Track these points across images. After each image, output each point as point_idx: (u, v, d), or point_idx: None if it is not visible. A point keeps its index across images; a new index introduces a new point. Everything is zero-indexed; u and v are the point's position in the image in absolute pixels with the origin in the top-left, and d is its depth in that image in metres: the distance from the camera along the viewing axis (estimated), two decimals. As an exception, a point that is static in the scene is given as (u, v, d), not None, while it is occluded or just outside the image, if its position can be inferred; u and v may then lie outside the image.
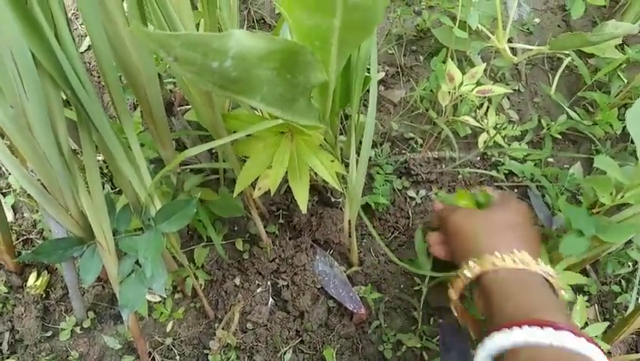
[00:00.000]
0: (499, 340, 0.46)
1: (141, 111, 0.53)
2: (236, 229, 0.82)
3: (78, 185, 0.49)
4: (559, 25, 1.03)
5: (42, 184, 0.46)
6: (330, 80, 0.47)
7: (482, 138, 0.86)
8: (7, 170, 0.82)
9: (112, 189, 0.81)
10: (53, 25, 0.38)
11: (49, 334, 0.72)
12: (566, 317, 0.49)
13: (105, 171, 0.81)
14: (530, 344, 0.44)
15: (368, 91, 0.59)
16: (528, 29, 1.01)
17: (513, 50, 0.94)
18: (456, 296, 0.58)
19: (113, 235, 0.57)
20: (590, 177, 0.65)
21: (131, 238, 0.58)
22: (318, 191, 0.82)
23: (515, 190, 0.86)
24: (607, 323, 0.69)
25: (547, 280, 0.53)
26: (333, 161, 0.64)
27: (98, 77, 0.92)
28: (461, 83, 0.77)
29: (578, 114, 0.89)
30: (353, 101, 0.57)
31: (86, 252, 0.57)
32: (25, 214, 0.80)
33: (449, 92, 0.79)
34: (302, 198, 0.60)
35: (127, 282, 0.58)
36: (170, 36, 0.29)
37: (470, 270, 0.54)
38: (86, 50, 0.96)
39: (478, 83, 0.80)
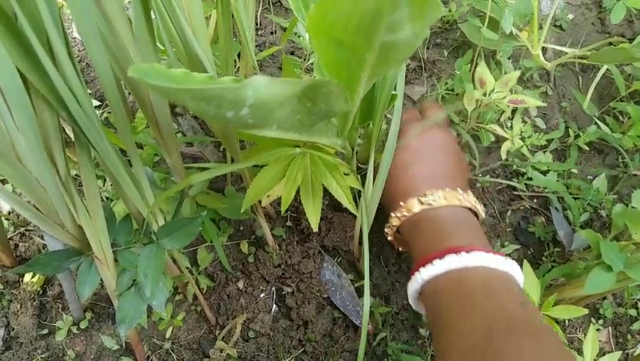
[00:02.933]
0: (425, 273, 0.50)
1: (143, 112, 0.48)
2: (241, 229, 0.78)
3: (75, 202, 0.45)
4: (593, 23, 0.97)
5: (33, 205, 0.42)
6: (354, 108, 0.42)
7: (505, 146, 0.81)
8: None
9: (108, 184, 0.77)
10: (47, 43, 0.33)
11: (45, 332, 0.70)
12: (484, 242, 0.53)
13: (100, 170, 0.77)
14: (450, 270, 0.48)
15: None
16: (560, 26, 0.95)
17: (544, 50, 0.88)
18: (391, 236, 0.63)
19: (112, 245, 0.54)
20: (623, 210, 0.61)
21: (131, 253, 0.54)
22: (329, 195, 0.78)
23: (535, 201, 0.82)
24: (620, 353, 0.66)
25: (472, 212, 0.58)
26: (347, 174, 0.60)
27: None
28: (492, 90, 0.72)
29: (607, 124, 0.84)
30: (376, 119, 0.53)
31: (82, 265, 0.54)
32: (22, 204, 0.76)
33: (477, 99, 0.73)
34: (314, 217, 0.57)
35: (125, 296, 0.55)
36: (179, 90, 0.25)
37: (403, 212, 0.58)
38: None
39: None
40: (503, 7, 0.73)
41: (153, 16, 0.43)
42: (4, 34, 0.30)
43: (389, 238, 0.64)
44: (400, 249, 0.68)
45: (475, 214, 0.59)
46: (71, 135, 0.46)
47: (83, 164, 0.43)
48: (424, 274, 0.50)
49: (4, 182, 0.74)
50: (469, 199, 0.57)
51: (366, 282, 0.59)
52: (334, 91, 0.37)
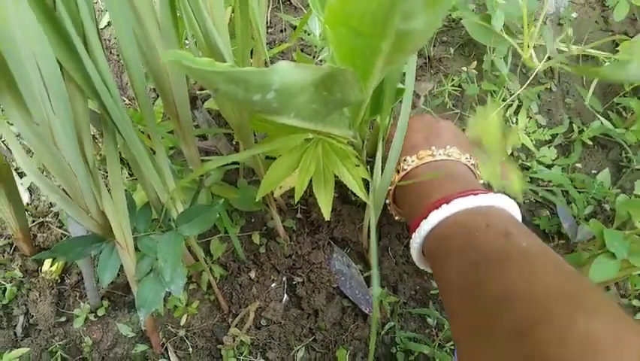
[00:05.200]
0: (431, 219, 0.51)
1: (164, 104, 0.50)
2: (253, 220, 0.81)
3: (100, 188, 0.47)
4: (596, 22, 0.99)
5: (63, 189, 0.44)
6: (367, 97, 0.44)
7: (511, 141, 0.83)
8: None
9: (129, 175, 0.79)
10: (82, 32, 0.35)
11: (63, 319, 0.72)
12: (475, 185, 0.56)
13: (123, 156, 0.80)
14: (453, 213, 0.50)
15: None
16: (564, 24, 0.97)
17: (545, 49, 0.90)
18: (390, 203, 0.66)
19: (132, 233, 0.56)
20: (626, 200, 0.63)
21: (151, 239, 0.56)
22: (338, 187, 0.81)
23: (539, 194, 0.84)
24: None
25: (470, 169, 0.62)
26: (358, 165, 0.62)
27: (118, 55, 0.89)
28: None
29: (611, 120, 0.86)
30: (383, 111, 0.55)
31: (104, 250, 0.56)
32: (41, 196, 0.79)
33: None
34: (326, 207, 0.58)
35: (145, 282, 0.57)
36: (213, 72, 0.27)
37: (409, 163, 0.61)
38: (105, 27, 0.93)
39: (509, 79, 0.76)
40: (495, 7, 0.75)
41: (178, 14, 0.45)
42: (45, 26, 0.32)
43: (389, 206, 0.67)
44: (397, 218, 0.70)
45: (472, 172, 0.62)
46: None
47: (109, 151, 0.45)
48: (421, 229, 0.52)
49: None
50: (462, 154, 0.61)
51: (374, 270, 0.61)
52: (350, 80, 0.39)
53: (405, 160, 0.62)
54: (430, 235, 0.52)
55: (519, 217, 0.52)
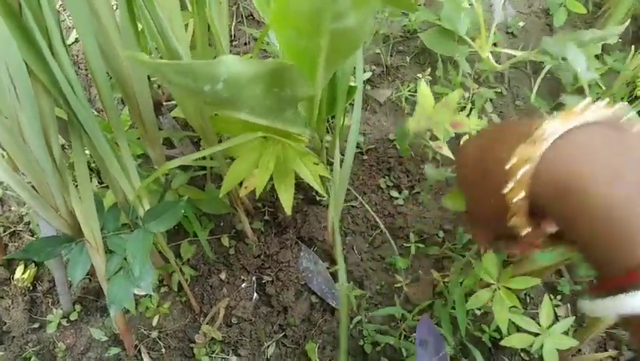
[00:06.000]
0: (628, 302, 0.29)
1: (129, 109, 0.53)
2: (222, 224, 0.84)
3: (68, 187, 0.50)
4: (542, 29, 1.06)
5: (32, 187, 0.47)
6: (317, 93, 0.48)
7: (464, 139, 0.88)
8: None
9: (99, 183, 0.82)
10: (47, 36, 0.39)
11: (36, 326, 0.74)
12: None
13: (93, 165, 0.82)
14: None
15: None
16: (512, 32, 1.03)
17: (497, 55, 0.96)
18: (522, 217, 0.35)
19: (101, 233, 0.58)
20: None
21: (120, 237, 0.59)
22: (304, 189, 0.84)
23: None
24: (573, 318, 0.70)
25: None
26: (317, 164, 0.66)
27: (86, 69, 0.92)
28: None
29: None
30: (337, 110, 0.59)
31: (74, 250, 0.58)
32: (12, 207, 0.80)
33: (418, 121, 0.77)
34: (287, 202, 0.62)
35: (115, 280, 0.59)
36: (163, 64, 0.30)
37: (529, 157, 0.32)
38: (73, 43, 0.96)
39: (461, 85, 0.81)
40: (459, 12, 0.80)
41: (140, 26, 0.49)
42: (13, 29, 0.36)
43: (522, 231, 0.36)
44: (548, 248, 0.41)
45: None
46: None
47: (76, 151, 0.48)
48: (627, 304, 0.29)
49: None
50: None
51: (341, 263, 0.64)
52: (297, 76, 0.43)
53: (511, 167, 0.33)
54: None
55: None
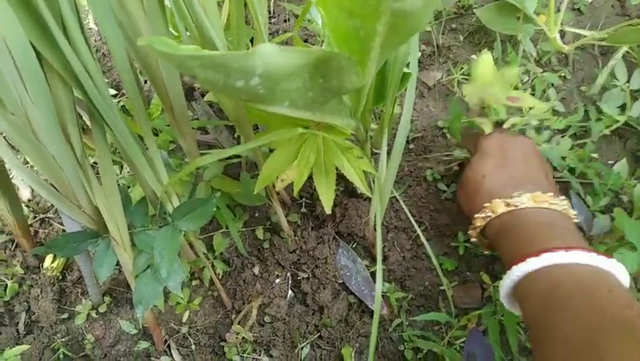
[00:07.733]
0: (518, 270, 0.49)
1: (158, 97, 0.48)
2: (256, 215, 0.79)
3: (92, 183, 0.46)
4: (612, 6, 0.94)
5: (51, 184, 0.43)
6: (367, 83, 0.42)
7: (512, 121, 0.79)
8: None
9: (129, 170, 0.78)
10: (61, 21, 0.34)
11: (65, 316, 0.72)
12: (583, 243, 0.51)
13: (118, 156, 0.78)
14: (546, 266, 0.47)
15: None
16: (579, 9, 0.93)
17: (562, 33, 0.87)
18: (475, 238, 0.63)
19: (128, 228, 0.55)
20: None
21: (147, 234, 0.55)
22: (344, 181, 0.78)
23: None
24: None
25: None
26: (361, 157, 0.59)
27: (106, 53, 0.88)
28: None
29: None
30: (387, 99, 0.52)
31: (100, 246, 0.55)
32: (42, 192, 0.78)
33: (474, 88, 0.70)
34: (327, 199, 0.56)
35: (142, 278, 0.56)
36: (187, 57, 0.25)
37: (487, 212, 0.58)
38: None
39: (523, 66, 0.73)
40: None
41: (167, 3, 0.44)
42: (19, 10, 0.31)
43: (473, 239, 0.64)
44: (485, 251, 0.68)
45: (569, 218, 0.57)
46: (88, 123, 0.47)
47: (99, 144, 0.43)
48: (517, 271, 0.49)
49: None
50: (560, 203, 0.56)
51: (379, 265, 0.59)
52: (345, 65, 0.36)
53: (485, 208, 0.59)
54: (527, 282, 0.49)
55: (627, 284, 0.49)
